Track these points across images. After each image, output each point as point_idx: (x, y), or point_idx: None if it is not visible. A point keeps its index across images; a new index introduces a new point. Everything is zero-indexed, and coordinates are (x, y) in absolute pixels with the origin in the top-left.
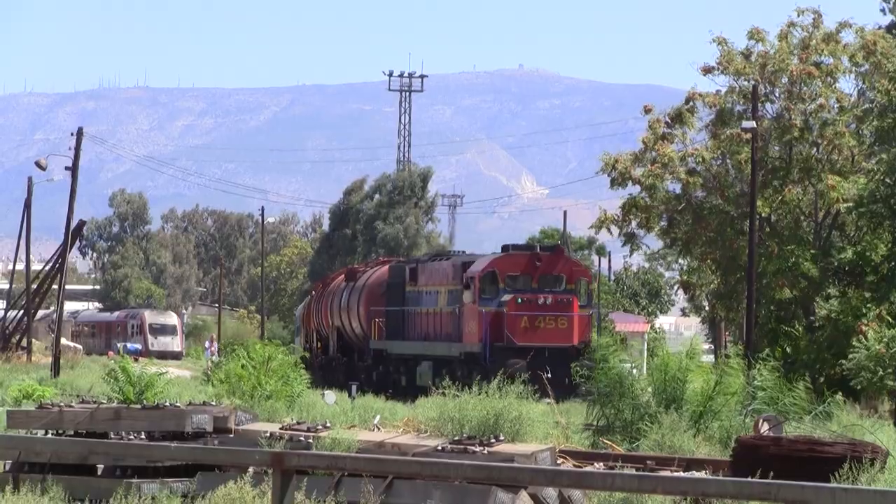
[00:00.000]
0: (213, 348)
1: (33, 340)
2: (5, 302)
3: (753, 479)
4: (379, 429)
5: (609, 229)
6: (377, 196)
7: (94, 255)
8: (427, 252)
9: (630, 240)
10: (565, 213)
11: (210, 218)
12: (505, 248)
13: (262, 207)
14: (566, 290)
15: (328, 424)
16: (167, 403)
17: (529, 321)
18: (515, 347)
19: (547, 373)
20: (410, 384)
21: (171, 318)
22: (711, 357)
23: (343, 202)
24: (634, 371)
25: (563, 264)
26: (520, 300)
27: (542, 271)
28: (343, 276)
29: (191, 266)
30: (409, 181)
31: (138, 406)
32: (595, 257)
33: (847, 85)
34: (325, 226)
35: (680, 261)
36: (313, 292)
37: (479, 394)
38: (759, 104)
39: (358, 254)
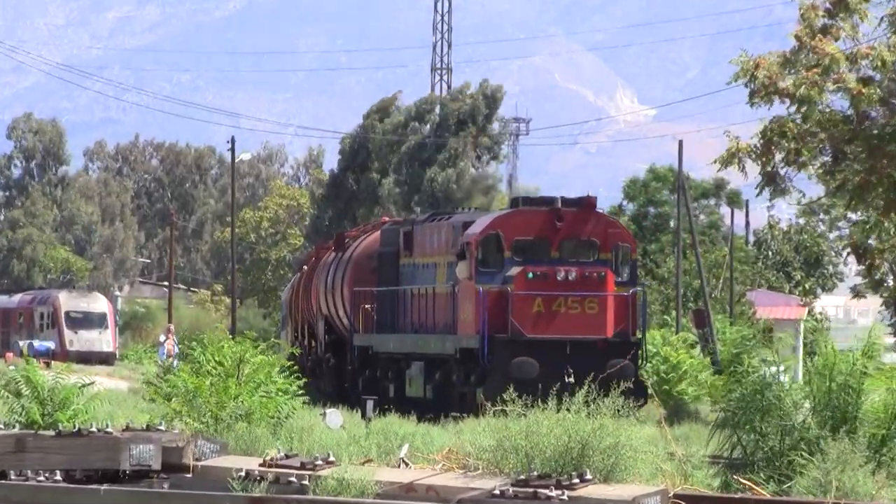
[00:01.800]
0: (170, 343)
1: None
2: None
3: None
4: (407, 464)
5: (742, 166)
6: (415, 124)
7: None
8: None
9: (772, 182)
10: (681, 143)
11: (156, 154)
12: (514, 201)
13: (233, 138)
14: (598, 262)
15: (332, 458)
16: (94, 428)
17: (545, 304)
18: (524, 341)
19: (569, 376)
20: (399, 393)
21: (99, 303)
22: None
23: (361, 131)
24: (784, 377)
25: (595, 225)
26: (531, 275)
27: (565, 235)
28: (333, 245)
29: (128, 226)
30: (469, 105)
31: (51, 433)
32: (726, 210)
33: None
34: (329, 166)
35: (850, 215)
36: (305, 267)
37: (558, 411)
38: None
39: (382, 208)
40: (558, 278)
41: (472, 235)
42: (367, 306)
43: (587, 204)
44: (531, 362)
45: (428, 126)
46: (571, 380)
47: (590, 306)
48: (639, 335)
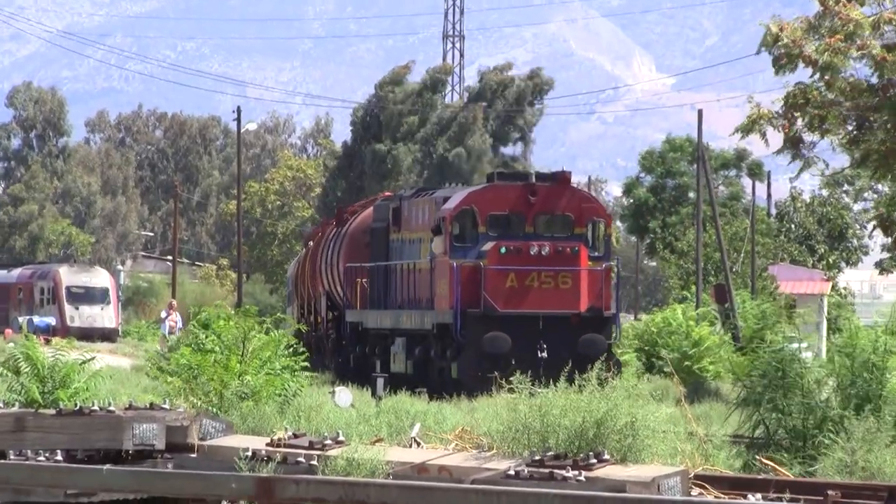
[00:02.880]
0: (172, 318)
1: None
2: None
3: None
4: (419, 444)
5: (763, 133)
6: (429, 95)
7: None
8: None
9: (794, 146)
10: (700, 112)
11: (160, 125)
12: (490, 176)
13: (238, 108)
14: (573, 236)
15: (341, 437)
16: (95, 407)
17: (518, 279)
18: (496, 316)
19: (542, 351)
20: (385, 368)
21: (101, 278)
22: None
23: (373, 101)
24: (807, 354)
25: (570, 200)
26: (504, 250)
27: (540, 209)
28: (335, 220)
29: (130, 198)
30: (516, 88)
31: (51, 412)
32: (747, 181)
33: None
34: (337, 136)
35: (877, 185)
36: (310, 242)
37: (577, 389)
38: None
39: (395, 181)
40: (531, 253)
41: (447, 210)
42: (359, 282)
43: (562, 179)
44: (504, 337)
45: (445, 96)
46: (544, 354)
47: (563, 281)
48: (613, 310)
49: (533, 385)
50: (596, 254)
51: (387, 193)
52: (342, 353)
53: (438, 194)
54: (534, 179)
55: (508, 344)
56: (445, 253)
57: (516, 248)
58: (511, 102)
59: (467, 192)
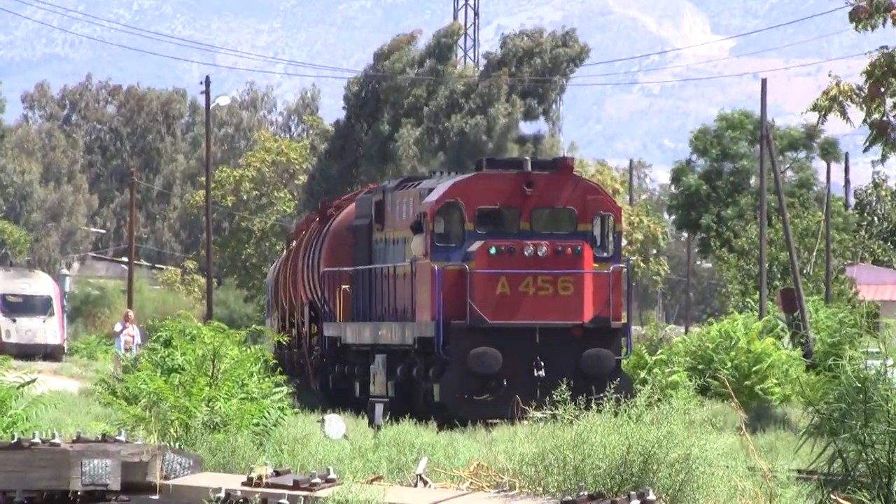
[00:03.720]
0: (128, 332)
1: None
2: None
3: None
4: (426, 482)
5: (843, 112)
6: (428, 62)
7: None
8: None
9: (883, 134)
10: (764, 82)
11: (113, 99)
12: (479, 163)
13: (207, 78)
14: (575, 234)
15: (332, 475)
16: (37, 439)
17: (510, 284)
18: (485, 328)
19: (539, 369)
20: (365, 392)
21: (42, 285)
22: None
23: (370, 73)
24: (893, 373)
25: (573, 191)
26: (494, 250)
27: (537, 203)
28: (318, 216)
29: (77, 188)
30: (550, 56)
31: None
32: (819, 165)
33: None
34: (326, 111)
35: None
36: (293, 242)
37: (615, 414)
38: None
39: (396, 166)
40: (526, 254)
41: (428, 205)
42: (339, 290)
43: (563, 166)
44: (493, 353)
45: (456, 65)
46: (542, 373)
47: (563, 287)
48: (623, 320)
49: (530, 409)
50: (603, 254)
51: (371, 186)
52: (323, 372)
53: (424, 185)
54: (530, 167)
55: (499, 361)
56: (426, 255)
57: (508, 248)
58: (540, 73)
59: (451, 183)
